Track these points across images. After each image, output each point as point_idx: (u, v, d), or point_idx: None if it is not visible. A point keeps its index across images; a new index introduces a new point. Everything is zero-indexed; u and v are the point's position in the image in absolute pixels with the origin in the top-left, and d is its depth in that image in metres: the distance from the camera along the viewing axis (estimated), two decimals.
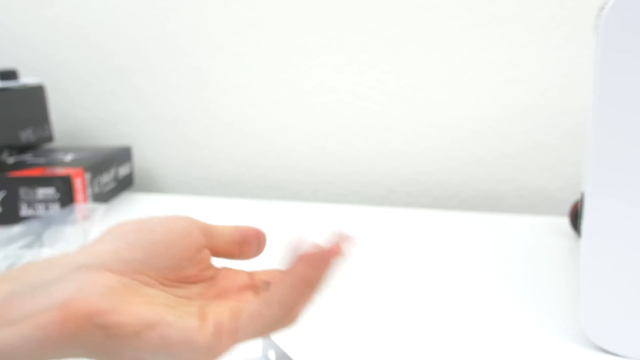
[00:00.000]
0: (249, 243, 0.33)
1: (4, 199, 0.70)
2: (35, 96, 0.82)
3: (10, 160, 0.77)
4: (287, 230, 0.67)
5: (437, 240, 0.64)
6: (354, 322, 0.46)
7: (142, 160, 0.92)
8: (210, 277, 0.31)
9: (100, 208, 0.71)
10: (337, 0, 0.77)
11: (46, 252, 0.60)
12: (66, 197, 0.70)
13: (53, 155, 0.80)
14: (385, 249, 0.61)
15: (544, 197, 0.77)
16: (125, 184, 0.86)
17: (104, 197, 0.78)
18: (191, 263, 0.29)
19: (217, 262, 0.33)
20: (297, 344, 0.42)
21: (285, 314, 0.25)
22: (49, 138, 0.84)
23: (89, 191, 0.74)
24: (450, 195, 0.80)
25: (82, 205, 0.70)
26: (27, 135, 0.79)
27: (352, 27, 0.78)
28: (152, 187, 0.93)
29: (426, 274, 0.55)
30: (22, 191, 0.70)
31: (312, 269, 0.25)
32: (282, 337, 0.42)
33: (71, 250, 0.27)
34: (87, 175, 0.73)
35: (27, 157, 0.79)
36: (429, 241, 0.64)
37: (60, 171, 0.71)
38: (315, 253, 0.25)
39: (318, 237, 0.28)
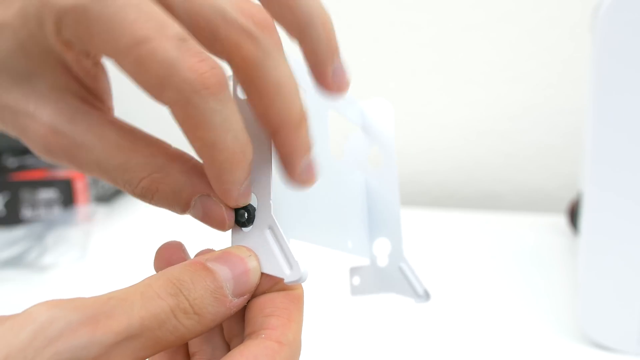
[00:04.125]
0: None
1: (6, 201, 0.71)
2: None
3: (12, 162, 0.78)
4: None
5: (437, 239, 0.65)
6: (354, 320, 0.46)
7: None
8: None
9: (102, 210, 0.71)
10: (335, 1, 0.77)
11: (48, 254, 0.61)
12: (68, 199, 0.71)
13: None
14: None
15: (542, 195, 0.77)
16: None
17: (105, 198, 0.78)
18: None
19: None
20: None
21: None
22: None
23: (90, 193, 0.74)
24: (449, 194, 0.80)
25: (84, 207, 0.71)
26: None
27: (351, 28, 0.78)
28: None
29: (425, 272, 0.55)
30: (24, 193, 0.70)
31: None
32: None
33: None
34: (88, 177, 0.74)
35: (29, 160, 0.79)
36: (428, 240, 0.64)
37: (61, 173, 0.72)
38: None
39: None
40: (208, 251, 0.22)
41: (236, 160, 0.20)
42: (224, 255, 0.21)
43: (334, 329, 0.45)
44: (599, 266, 0.39)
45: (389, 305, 0.48)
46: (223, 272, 0.20)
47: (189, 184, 0.21)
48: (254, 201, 0.22)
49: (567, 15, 0.71)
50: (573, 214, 0.63)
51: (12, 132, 0.22)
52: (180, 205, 0.21)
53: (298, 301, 0.22)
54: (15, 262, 0.59)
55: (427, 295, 0.29)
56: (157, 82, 0.18)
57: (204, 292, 0.19)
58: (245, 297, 0.21)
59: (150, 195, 0.21)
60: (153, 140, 0.22)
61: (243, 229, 0.22)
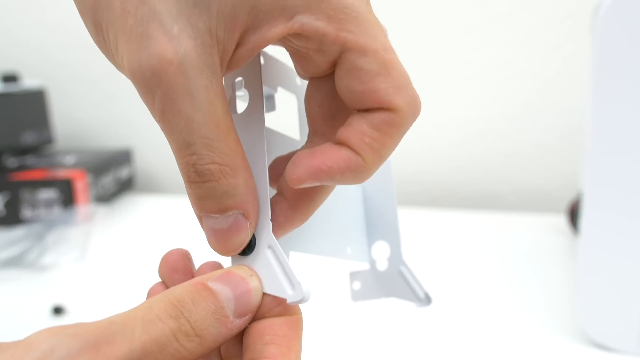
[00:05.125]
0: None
1: (6, 201, 0.71)
2: (36, 100, 0.82)
3: (12, 162, 0.78)
4: None
5: (437, 239, 0.65)
6: (354, 321, 0.46)
7: (143, 161, 0.92)
8: None
9: (102, 209, 0.71)
10: None
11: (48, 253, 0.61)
12: (68, 199, 0.71)
13: (55, 158, 0.81)
14: None
15: (542, 195, 0.77)
16: (126, 186, 0.86)
17: (105, 198, 0.78)
18: None
19: None
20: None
21: None
22: (49, 140, 0.84)
23: (91, 193, 0.74)
24: (449, 194, 0.80)
25: (84, 207, 0.71)
26: (27, 137, 0.79)
27: None
28: (152, 188, 0.93)
29: (425, 272, 0.55)
30: (24, 193, 0.70)
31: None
32: None
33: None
34: (89, 177, 0.74)
35: (29, 160, 0.79)
36: (428, 239, 0.64)
37: (61, 173, 0.72)
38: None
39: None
40: (213, 265, 0.22)
41: None
42: (225, 275, 0.20)
43: (332, 336, 0.45)
44: (599, 266, 0.39)
45: (387, 306, 0.48)
46: (224, 292, 0.20)
47: (242, 195, 0.20)
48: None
49: (567, 15, 0.71)
50: (573, 214, 0.63)
51: (109, 30, 0.19)
52: (218, 206, 0.20)
53: (297, 327, 0.21)
54: (15, 262, 0.59)
55: (428, 299, 0.29)
56: None
57: (205, 314, 0.19)
58: (247, 317, 0.20)
59: (203, 180, 0.20)
60: (239, 141, 0.21)
61: (243, 255, 0.22)
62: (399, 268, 0.29)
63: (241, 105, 0.23)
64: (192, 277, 0.23)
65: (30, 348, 0.16)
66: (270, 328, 0.21)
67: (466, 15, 0.74)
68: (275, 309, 0.21)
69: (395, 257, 0.29)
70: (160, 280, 0.24)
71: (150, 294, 0.23)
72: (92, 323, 0.17)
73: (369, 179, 0.30)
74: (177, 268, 0.22)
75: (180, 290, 0.19)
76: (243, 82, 0.23)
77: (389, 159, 0.30)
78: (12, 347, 0.16)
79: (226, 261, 0.23)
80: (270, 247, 0.21)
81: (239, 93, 0.23)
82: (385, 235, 0.30)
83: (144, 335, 0.17)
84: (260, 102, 0.22)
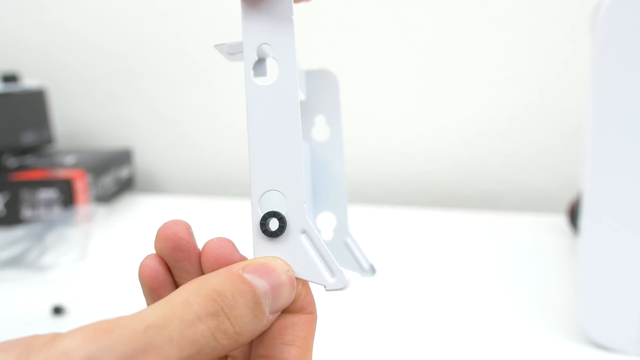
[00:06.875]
0: None
1: (6, 201, 0.71)
2: (36, 100, 0.82)
3: (12, 162, 0.78)
4: None
5: (437, 239, 0.65)
6: (353, 322, 0.46)
7: (143, 161, 0.92)
8: None
9: (102, 210, 0.71)
10: (335, 1, 0.77)
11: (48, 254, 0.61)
12: (68, 199, 0.71)
13: (55, 158, 0.81)
14: (385, 249, 0.62)
15: (542, 195, 0.77)
16: (126, 186, 0.86)
17: (105, 198, 0.78)
18: None
19: None
20: None
21: None
22: (49, 140, 0.84)
23: (91, 193, 0.74)
24: (449, 195, 0.80)
25: (84, 207, 0.71)
26: (27, 137, 0.79)
27: (351, 28, 0.78)
28: (153, 188, 0.93)
29: (425, 272, 0.55)
30: (24, 193, 0.70)
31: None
32: None
33: None
34: (89, 177, 0.74)
35: (29, 160, 0.79)
36: (428, 240, 0.64)
37: (62, 173, 0.72)
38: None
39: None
40: (225, 243, 0.21)
41: None
42: (261, 268, 0.19)
43: (330, 333, 0.45)
44: (599, 266, 0.39)
45: (386, 305, 0.48)
46: (262, 286, 0.19)
47: None
48: (280, 203, 0.20)
49: (567, 15, 0.71)
50: (573, 214, 0.63)
51: None
52: None
53: (314, 328, 0.21)
54: (15, 262, 0.59)
55: (372, 270, 0.29)
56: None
57: (245, 309, 0.18)
58: (278, 313, 0.19)
59: None
60: None
61: (271, 238, 0.20)
62: (344, 239, 0.29)
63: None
64: (197, 254, 0.21)
65: (65, 358, 0.15)
66: (292, 327, 0.20)
67: (466, 16, 0.74)
68: (296, 303, 0.20)
69: (341, 228, 0.29)
70: (154, 252, 0.22)
71: (143, 269, 0.21)
72: (129, 327, 0.16)
73: (320, 151, 0.30)
74: (180, 245, 0.21)
75: (218, 282, 0.18)
76: (271, 47, 0.21)
77: (341, 133, 0.30)
78: (42, 353, 0.15)
79: (235, 237, 0.21)
80: (305, 231, 0.20)
81: (242, 58, 0.21)
82: (331, 207, 0.29)
83: (181, 339, 0.16)
84: (293, 70, 0.20)
